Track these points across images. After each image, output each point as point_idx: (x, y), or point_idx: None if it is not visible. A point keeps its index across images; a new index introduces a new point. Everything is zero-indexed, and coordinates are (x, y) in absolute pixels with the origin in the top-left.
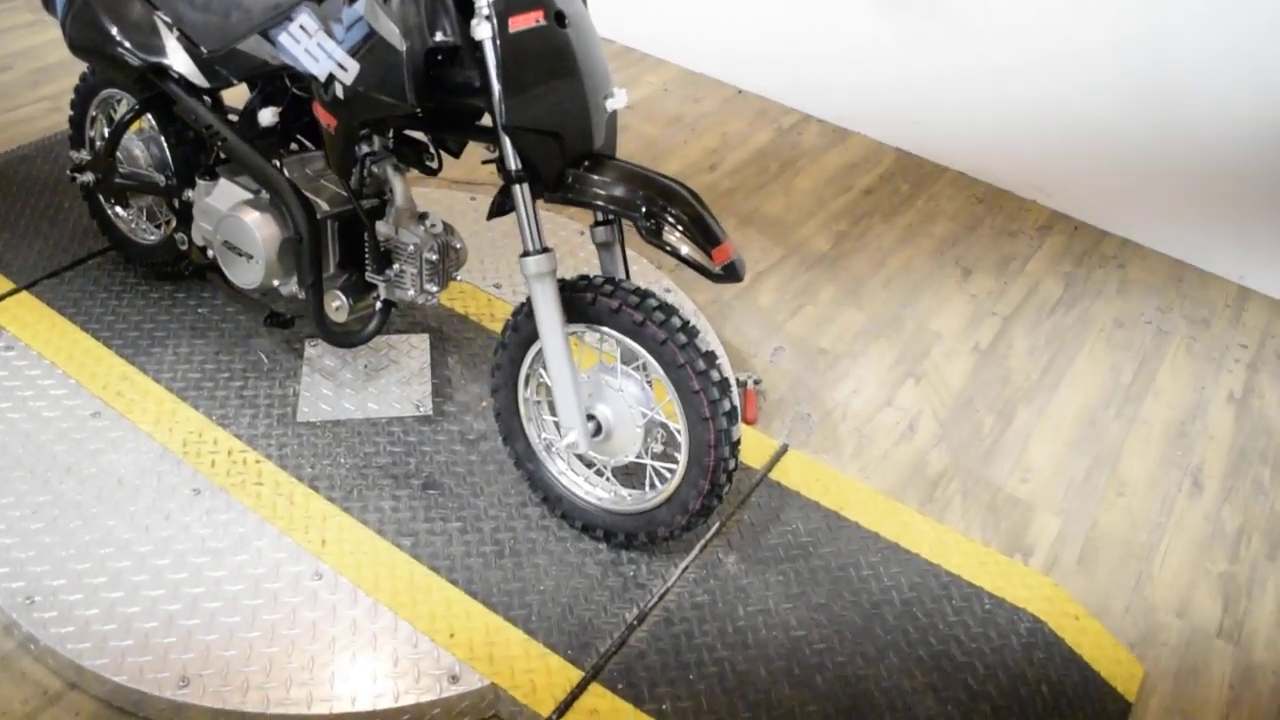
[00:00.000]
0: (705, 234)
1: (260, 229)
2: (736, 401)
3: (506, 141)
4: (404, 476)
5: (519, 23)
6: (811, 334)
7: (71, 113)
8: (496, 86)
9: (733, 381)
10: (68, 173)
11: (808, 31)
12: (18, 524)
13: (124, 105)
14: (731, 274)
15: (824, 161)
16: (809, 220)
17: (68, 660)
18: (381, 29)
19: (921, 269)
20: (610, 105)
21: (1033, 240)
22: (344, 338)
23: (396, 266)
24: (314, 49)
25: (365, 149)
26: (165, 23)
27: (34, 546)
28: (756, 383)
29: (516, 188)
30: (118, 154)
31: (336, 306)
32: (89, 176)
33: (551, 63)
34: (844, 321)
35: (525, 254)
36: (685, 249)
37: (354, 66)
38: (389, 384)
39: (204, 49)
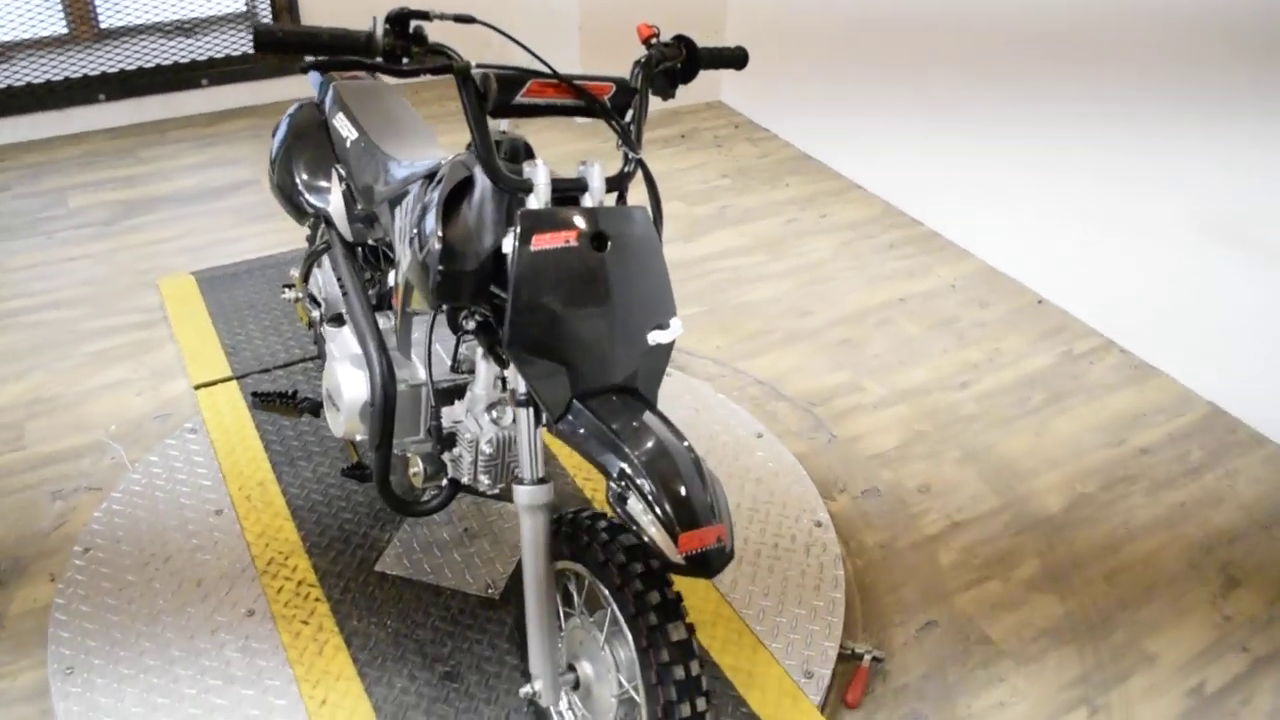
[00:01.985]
0: (680, 512)
1: (346, 384)
2: (702, 708)
3: (512, 363)
4: (433, 658)
5: (544, 241)
6: (983, 616)
7: (309, 232)
8: (507, 305)
9: (703, 683)
10: (281, 285)
11: (1130, 246)
12: (102, 599)
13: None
14: (698, 567)
15: (1105, 402)
16: (1050, 472)
17: None
18: (425, 229)
19: (1169, 565)
20: (655, 339)
21: None
22: (403, 505)
23: (457, 450)
24: (404, 228)
25: (468, 325)
26: (340, 175)
27: (101, 623)
28: (876, 659)
29: (522, 412)
30: (315, 279)
31: (414, 472)
32: (293, 294)
33: (574, 288)
34: (1033, 610)
35: (518, 481)
36: (648, 526)
37: (408, 257)
38: (475, 555)
39: (358, 205)
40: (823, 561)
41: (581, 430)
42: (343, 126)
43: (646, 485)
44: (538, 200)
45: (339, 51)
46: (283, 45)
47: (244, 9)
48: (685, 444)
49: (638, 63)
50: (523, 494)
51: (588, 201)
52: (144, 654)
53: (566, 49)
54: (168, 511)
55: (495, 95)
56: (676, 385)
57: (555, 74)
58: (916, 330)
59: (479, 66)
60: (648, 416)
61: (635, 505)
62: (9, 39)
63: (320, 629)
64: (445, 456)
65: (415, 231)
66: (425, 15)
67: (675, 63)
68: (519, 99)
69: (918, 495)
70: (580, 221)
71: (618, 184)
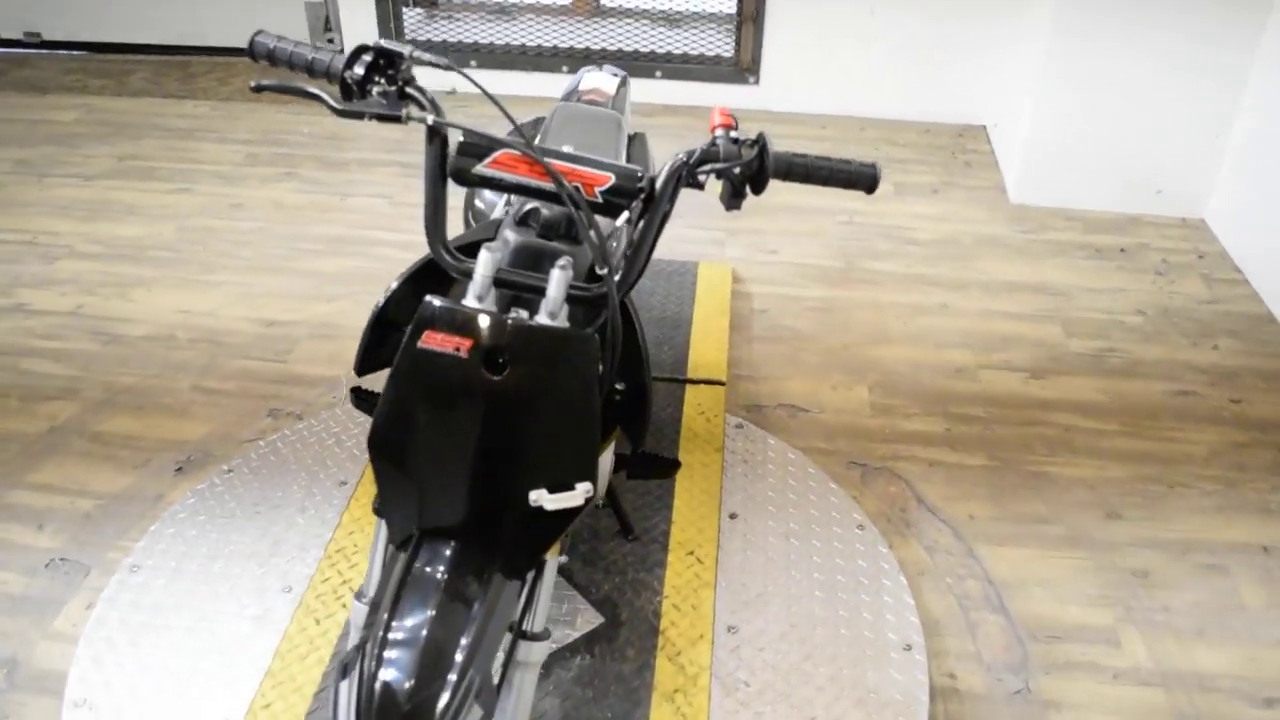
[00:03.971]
0: (382, 710)
1: None
2: None
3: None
4: None
5: (432, 340)
6: None
7: None
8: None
9: None
10: None
11: None
12: (206, 520)
13: None
14: None
15: None
16: None
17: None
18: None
19: None
20: (538, 500)
21: None
22: None
23: None
24: None
25: None
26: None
27: (189, 542)
28: None
29: (381, 522)
30: None
31: None
32: None
33: (446, 405)
34: None
35: (357, 594)
36: (342, 709)
37: None
38: None
39: None
40: None
41: (394, 573)
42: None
43: (370, 664)
44: (472, 293)
45: (307, 72)
46: (271, 55)
47: (734, 10)
48: (465, 640)
49: (678, 156)
50: (356, 610)
51: (542, 313)
52: (194, 582)
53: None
54: (310, 463)
55: (453, 159)
56: (858, 544)
57: (530, 148)
58: (1257, 602)
59: (439, 122)
60: (452, 587)
61: (345, 683)
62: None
63: (323, 632)
64: None
65: None
66: (399, 55)
67: (734, 165)
68: (481, 169)
69: None
70: (479, 330)
71: (587, 304)
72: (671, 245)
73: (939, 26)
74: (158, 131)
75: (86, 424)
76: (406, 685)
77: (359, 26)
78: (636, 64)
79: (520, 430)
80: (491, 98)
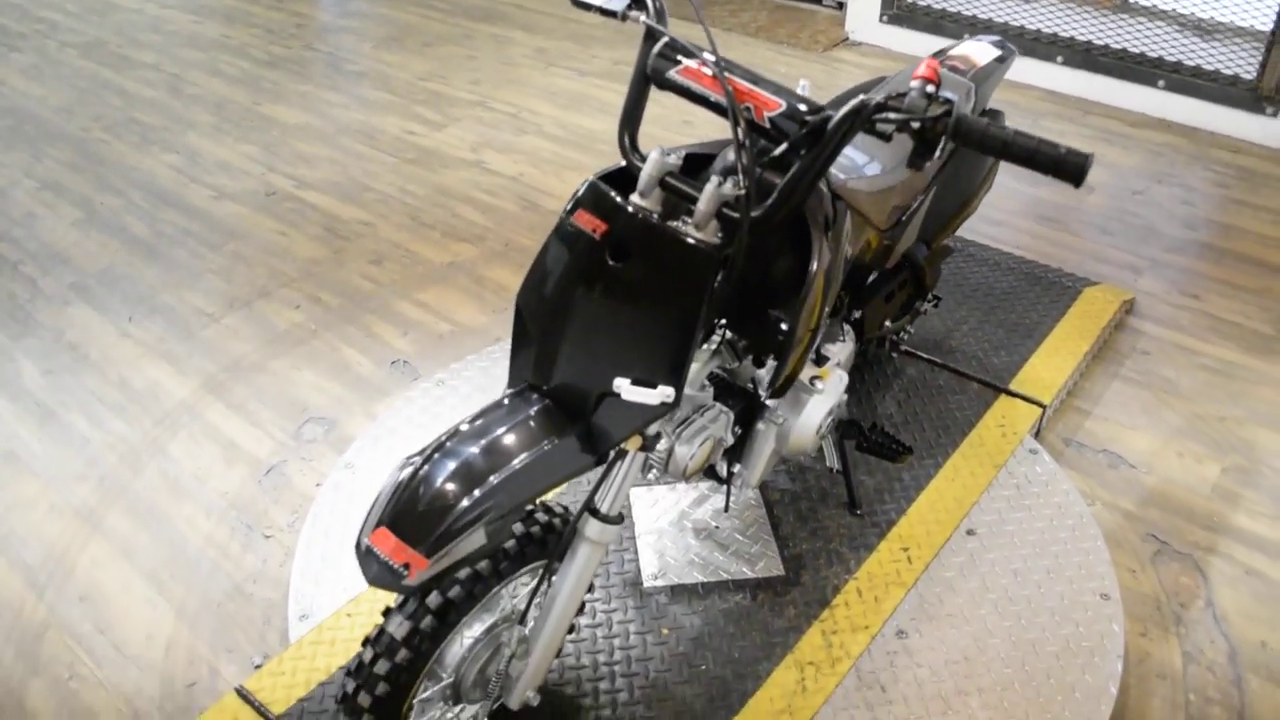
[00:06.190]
0: (397, 511)
1: None
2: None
3: None
4: None
5: (580, 219)
6: None
7: None
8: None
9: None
10: None
11: None
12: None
13: None
14: (364, 565)
15: None
16: None
17: None
18: None
19: None
20: (620, 387)
21: None
22: None
23: None
24: None
25: None
26: None
27: (479, 380)
28: None
29: None
30: None
31: None
32: None
33: (572, 277)
34: None
35: None
36: (373, 501)
37: None
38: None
39: None
40: None
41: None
42: None
43: (410, 473)
44: (638, 187)
45: None
46: None
47: (1271, 28)
48: (510, 468)
49: (863, 99)
50: None
51: (690, 223)
52: (471, 406)
53: None
54: None
55: (653, 59)
56: (1089, 610)
57: (716, 63)
58: None
59: (651, 25)
60: (524, 427)
61: (389, 482)
62: None
63: None
64: None
65: None
66: None
67: (913, 118)
68: (672, 74)
69: None
70: (614, 218)
71: (733, 224)
72: (1081, 261)
73: None
74: None
75: (477, 267)
76: (426, 498)
77: None
78: (1139, 68)
79: (623, 318)
80: (703, 23)
